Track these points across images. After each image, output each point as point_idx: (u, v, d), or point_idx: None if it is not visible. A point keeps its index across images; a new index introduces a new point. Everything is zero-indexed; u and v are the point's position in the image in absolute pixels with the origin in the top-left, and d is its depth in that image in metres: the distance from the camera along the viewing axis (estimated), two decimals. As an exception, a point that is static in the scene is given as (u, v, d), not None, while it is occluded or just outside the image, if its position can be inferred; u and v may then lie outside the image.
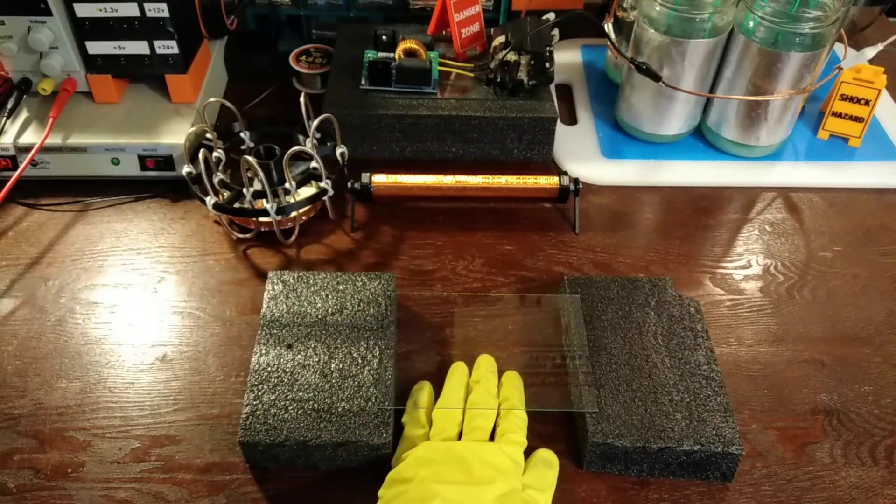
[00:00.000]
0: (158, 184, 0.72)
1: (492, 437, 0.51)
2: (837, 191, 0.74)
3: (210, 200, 0.63)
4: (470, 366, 0.56)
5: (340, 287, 0.59)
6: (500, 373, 0.55)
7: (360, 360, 0.54)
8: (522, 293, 0.64)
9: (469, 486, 0.45)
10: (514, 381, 0.55)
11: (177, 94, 0.74)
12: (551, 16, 0.75)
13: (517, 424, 0.51)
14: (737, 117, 0.74)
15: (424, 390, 0.54)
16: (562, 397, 0.55)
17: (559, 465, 0.51)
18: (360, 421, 0.50)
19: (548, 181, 0.68)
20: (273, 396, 0.52)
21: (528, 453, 0.51)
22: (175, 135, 0.70)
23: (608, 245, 0.68)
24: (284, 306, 0.57)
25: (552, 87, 0.76)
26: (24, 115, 0.71)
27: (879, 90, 0.73)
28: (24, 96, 0.71)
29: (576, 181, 0.68)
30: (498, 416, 0.52)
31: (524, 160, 0.76)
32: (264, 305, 0.57)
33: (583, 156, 0.76)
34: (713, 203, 0.73)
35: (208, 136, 0.69)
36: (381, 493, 0.46)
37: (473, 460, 0.47)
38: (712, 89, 0.75)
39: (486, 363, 0.55)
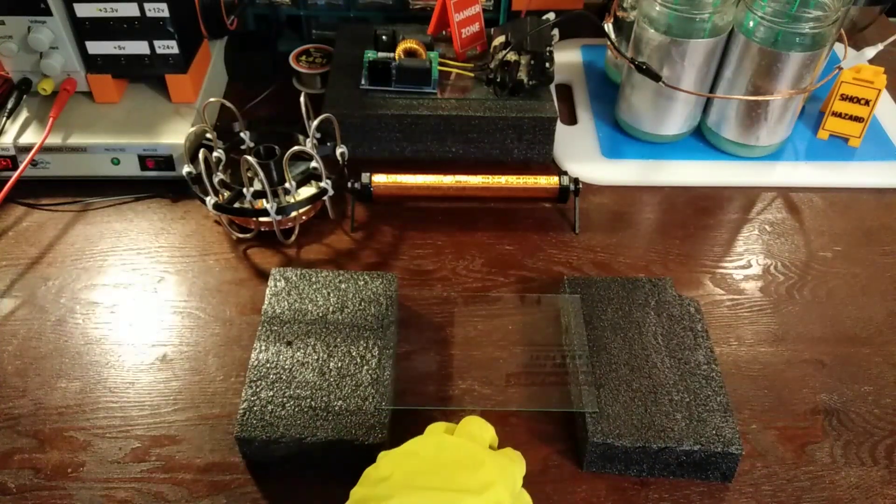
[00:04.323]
0: (158, 184, 0.72)
1: None
2: (837, 191, 0.74)
3: (210, 200, 0.63)
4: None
5: (342, 285, 0.59)
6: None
7: (358, 360, 0.54)
8: (522, 293, 0.64)
9: (445, 494, 0.39)
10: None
11: (177, 94, 0.74)
12: (551, 16, 0.75)
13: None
14: (737, 117, 0.74)
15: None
16: (562, 397, 0.55)
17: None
18: (356, 420, 0.50)
19: (548, 181, 0.68)
20: (271, 393, 0.52)
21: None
22: (175, 135, 0.70)
23: (608, 245, 0.68)
24: (286, 303, 0.57)
25: (552, 87, 0.76)
26: (24, 115, 0.71)
27: (879, 90, 0.73)
28: (24, 96, 0.71)
29: (576, 181, 0.68)
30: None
31: (524, 160, 0.76)
32: (266, 301, 0.57)
33: (583, 156, 0.76)
34: (713, 203, 0.73)
35: (208, 136, 0.69)
36: (353, 491, 0.41)
37: (461, 460, 0.41)
38: (712, 89, 0.75)
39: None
